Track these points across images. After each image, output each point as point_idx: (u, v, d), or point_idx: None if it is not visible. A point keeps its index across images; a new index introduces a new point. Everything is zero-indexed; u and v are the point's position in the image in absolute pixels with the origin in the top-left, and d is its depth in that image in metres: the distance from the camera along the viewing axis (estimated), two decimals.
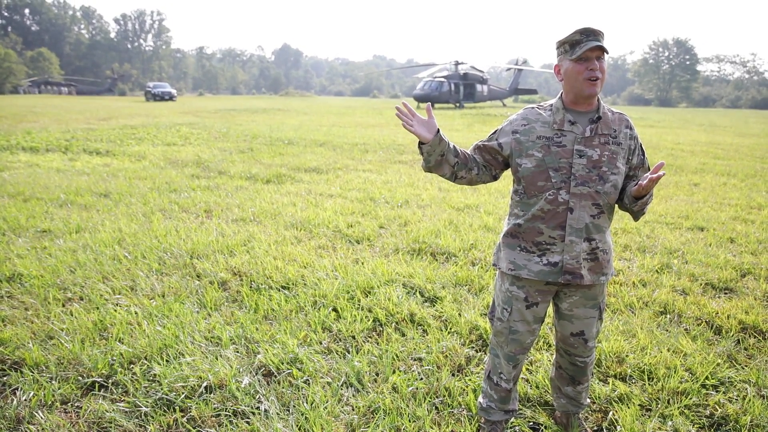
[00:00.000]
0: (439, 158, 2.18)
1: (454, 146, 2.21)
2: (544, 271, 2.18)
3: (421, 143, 2.18)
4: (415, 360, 3.10)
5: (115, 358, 3.01)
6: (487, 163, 2.28)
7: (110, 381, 2.83)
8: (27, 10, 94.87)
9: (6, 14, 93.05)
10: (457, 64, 41.00)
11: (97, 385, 2.81)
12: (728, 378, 2.95)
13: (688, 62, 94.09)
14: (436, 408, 2.67)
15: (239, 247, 4.94)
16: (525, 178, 2.16)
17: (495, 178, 2.33)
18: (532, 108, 2.22)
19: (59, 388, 2.75)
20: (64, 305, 3.74)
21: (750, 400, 2.72)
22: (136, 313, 3.58)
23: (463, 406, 2.67)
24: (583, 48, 2.00)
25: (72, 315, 3.55)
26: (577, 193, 2.10)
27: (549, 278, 2.18)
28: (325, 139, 14.66)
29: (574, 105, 2.14)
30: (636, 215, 2.23)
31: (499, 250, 2.32)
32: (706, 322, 3.64)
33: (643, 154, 2.26)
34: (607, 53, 2.06)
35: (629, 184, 2.22)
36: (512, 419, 2.57)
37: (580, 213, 2.12)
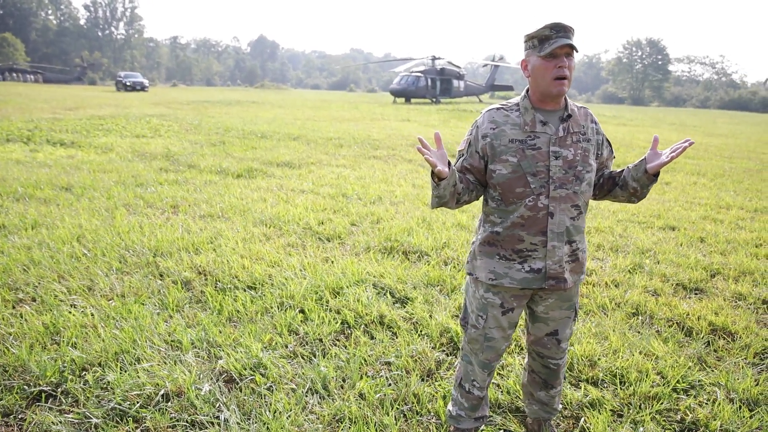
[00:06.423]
0: (452, 189, 2.02)
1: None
2: (528, 278, 2.09)
3: (440, 179, 1.98)
4: (383, 364, 3.00)
5: (66, 364, 2.83)
6: (477, 180, 2.15)
7: (59, 390, 2.66)
8: None
9: None
10: (434, 59, 40.96)
11: (44, 394, 2.64)
12: (698, 381, 2.93)
13: (660, 62, 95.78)
14: (404, 416, 2.57)
15: (205, 245, 4.76)
16: (501, 185, 2.05)
17: (485, 186, 2.19)
18: (497, 109, 2.09)
19: (1, 399, 2.57)
20: (14, 307, 3.53)
21: (719, 404, 2.70)
22: (92, 315, 3.39)
23: (431, 414, 2.58)
24: (552, 45, 1.90)
25: (22, 317, 3.35)
26: (557, 197, 2.03)
27: (533, 285, 2.09)
28: (299, 132, 14.43)
29: (541, 104, 2.05)
30: (642, 197, 2.15)
31: (475, 258, 2.21)
32: (677, 323, 3.63)
33: (610, 145, 2.23)
34: (577, 51, 1.97)
35: (616, 176, 2.18)
36: (482, 426, 2.49)
37: (560, 217, 2.05)
